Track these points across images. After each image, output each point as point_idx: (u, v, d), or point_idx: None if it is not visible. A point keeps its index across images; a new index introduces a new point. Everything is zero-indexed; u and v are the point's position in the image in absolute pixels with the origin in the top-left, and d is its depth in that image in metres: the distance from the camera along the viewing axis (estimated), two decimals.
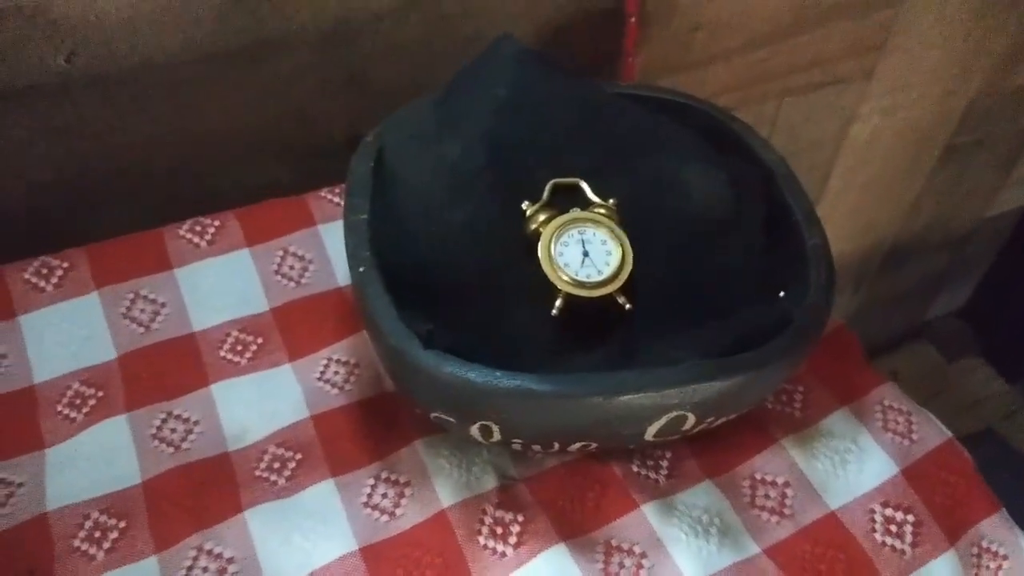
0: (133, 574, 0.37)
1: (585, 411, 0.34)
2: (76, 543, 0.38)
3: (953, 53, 0.82)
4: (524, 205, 0.39)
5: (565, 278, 0.37)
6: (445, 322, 0.36)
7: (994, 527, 0.41)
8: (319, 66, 0.55)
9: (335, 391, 0.44)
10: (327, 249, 0.49)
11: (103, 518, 0.39)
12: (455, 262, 0.39)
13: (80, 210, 0.54)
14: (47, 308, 0.45)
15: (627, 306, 0.38)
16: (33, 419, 0.42)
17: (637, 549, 0.39)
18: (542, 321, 0.38)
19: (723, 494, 0.41)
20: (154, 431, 0.42)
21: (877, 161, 0.91)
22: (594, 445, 0.38)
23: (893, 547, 0.40)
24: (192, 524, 0.39)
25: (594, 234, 0.38)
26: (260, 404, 0.43)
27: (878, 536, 0.40)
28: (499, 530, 0.39)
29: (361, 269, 0.37)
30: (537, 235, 0.38)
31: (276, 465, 0.41)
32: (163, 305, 0.46)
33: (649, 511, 0.40)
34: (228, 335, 0.45)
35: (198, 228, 0.49)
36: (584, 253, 0.38)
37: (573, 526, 0.39)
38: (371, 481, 0.40)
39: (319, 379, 0.44)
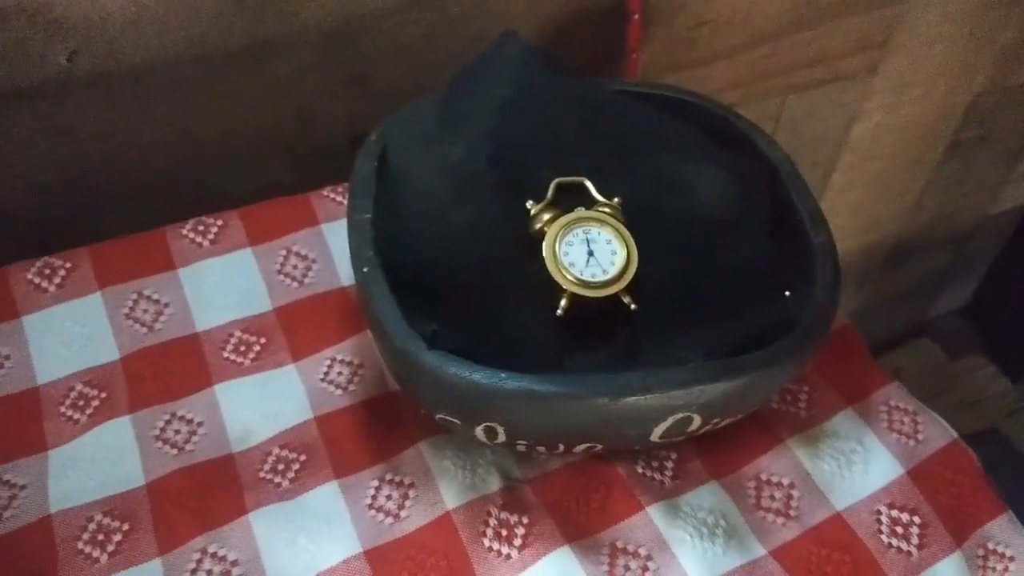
0: None
1: (591, 413, 0.34)
2: (80, 545, 0.38)
3: (957, 49, 0.82)
4: (528, 204, 0.39)
5: (570, 278, 0.37)
6: (448, 322, 0.36)
7: (1001, 528, 0.41)
8: (321, 66, 0.54)
9: (339, 392, 0.43)
10: (330, 248, 0.49)
11: (107, 520, 0.39)
12: (458, 262, 0.39)
13: (82, 210, 0.54)
14: (50, 309, 0.45)
15: (632, 306, 0.37)
16: (36, 420, 0.42)
17: (642, 551, 0.39)
18: (546, 321, 0.38)
19: (728, 495, 0.41)
20: (157, 432, 0.41)
21: (880, 158, 0.91)
22: (599, 446, 0.38)
23: (899, 548, 0.40)
24: (196, 526, 0.38)
25: (599, 233, 0.38)
26: (264, 405, 0.43)
27: (884, 538, 0.40)
28: (504, 532, 0.39)
29: (365, 269, 0.37)
30: (541, 234, 0.38)
31: (280, 467, 0.41)
32: (166, 305, 0.46)
33: (654, 512, 0.40)
34: (231, 335, 0.45)
35: (201, 228, 0.49)
36: (589, 252, 0.38)
37: (578, 528, 0.39)
38: (375, 483, 0.40)
39: (323, 380, 0.44)
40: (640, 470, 0.41)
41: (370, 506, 0.40)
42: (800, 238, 0.41)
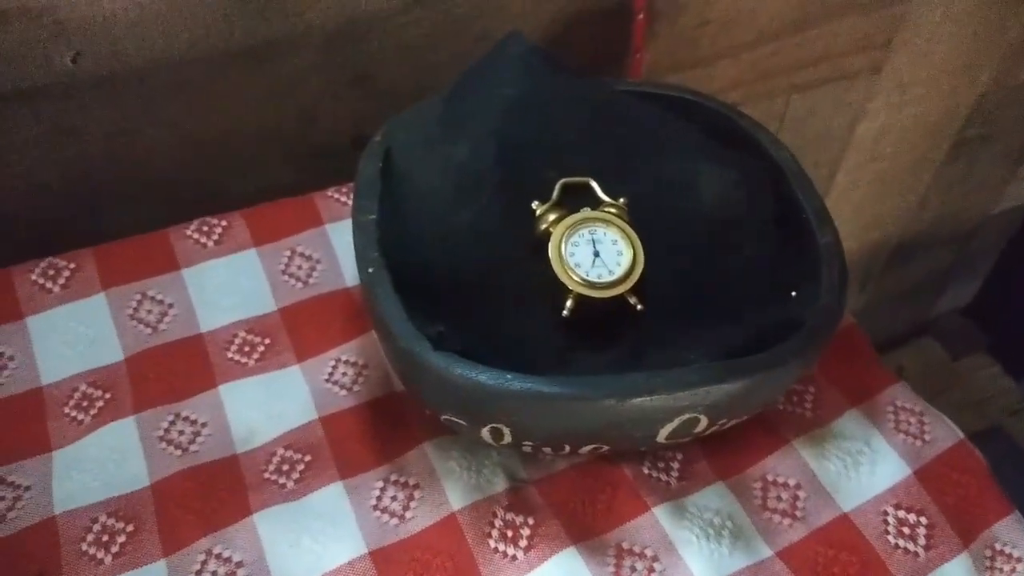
0: None
1: (597, 414, 0.34)
2: (84, 547, 0.38)
3: (961, 48, 0.82)
4: (534, 205, 0.39)
5: (576, 278, 0.37)
6: (453, 323, 0.36)
7: (1008, 529, 0.41)
8: (325, 66, 0.54)
9: (343, 392, 0.43)
10: (335, 249, 0.49)
11: (111, 521, 0.38)
12: (462, 262, 0.39)
13: (83, 211, 0.54)
14: (54, 309, 0.45)
15: (638, 307, 0.37)
16: (40, 421, 0.41)
17: (648, 552, 0.39)
18: (551, 322, 0.38)
19: (734, 496, 0.41)
20: (162, 433, 0.41)
21: (885, 157, 0.90)
22: (605, 447, 0.38)
23: (906, 549, 0.40)
24: (201, 527, 0.38)
25: (605, 234, 0.38)
26: (268, 405, 0.43)
27: (891, 539, 0.40)
28: (509, 533, 0.39)
29: (370, 270, 0.37)
30: (547, 235, 0.38)
31: (285, 467, 0.41)
32: (170, 306, 0.46)
33: (660, 513, 0.40)
34: (236, 336, 0.45)
35: (205, 228, 0.49)
36: (595, 253, 0.37)
37: (584, 529, 0.39)
38: (380, 483, 0.40)
39: (327, 380, 0.44)
40: (646, 471, 0.41)
41: (375, 507, 0.40)
42: (806, 238, 0.40)
